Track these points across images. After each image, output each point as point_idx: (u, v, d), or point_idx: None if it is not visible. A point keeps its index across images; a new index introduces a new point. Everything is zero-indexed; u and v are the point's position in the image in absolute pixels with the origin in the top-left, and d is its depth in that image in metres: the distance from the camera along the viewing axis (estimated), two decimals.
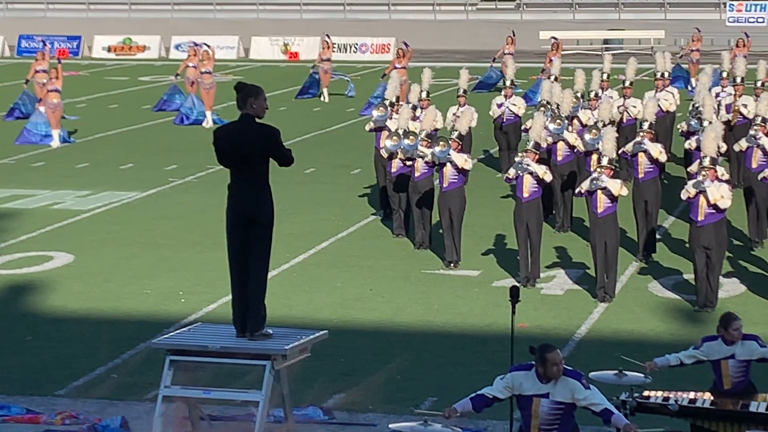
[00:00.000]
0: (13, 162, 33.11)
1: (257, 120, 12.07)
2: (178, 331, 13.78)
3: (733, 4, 55.26)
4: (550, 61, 34.50)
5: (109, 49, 59.21)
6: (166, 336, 13.29)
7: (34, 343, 18.81)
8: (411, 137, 23.96)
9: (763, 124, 23.94)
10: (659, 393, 13.90)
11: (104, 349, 17.54)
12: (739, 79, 29.51)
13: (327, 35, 46.16)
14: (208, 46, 42.22)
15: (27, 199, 28.70)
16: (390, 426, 14.58)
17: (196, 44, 42.96)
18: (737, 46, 38.13)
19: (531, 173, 21.44)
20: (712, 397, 13.90)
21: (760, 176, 22.07)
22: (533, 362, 11.89)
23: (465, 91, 28.59)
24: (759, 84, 29.06)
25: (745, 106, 26.80)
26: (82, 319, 20.15)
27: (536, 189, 21.58)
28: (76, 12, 60.49)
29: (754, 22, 53.41)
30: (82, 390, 16.69)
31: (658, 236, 23.82)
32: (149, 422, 12.42)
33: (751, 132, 23.86)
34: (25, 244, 24.82)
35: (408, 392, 16.49)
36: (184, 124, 38.30)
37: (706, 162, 20.37)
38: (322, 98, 43.21)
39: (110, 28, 59.62)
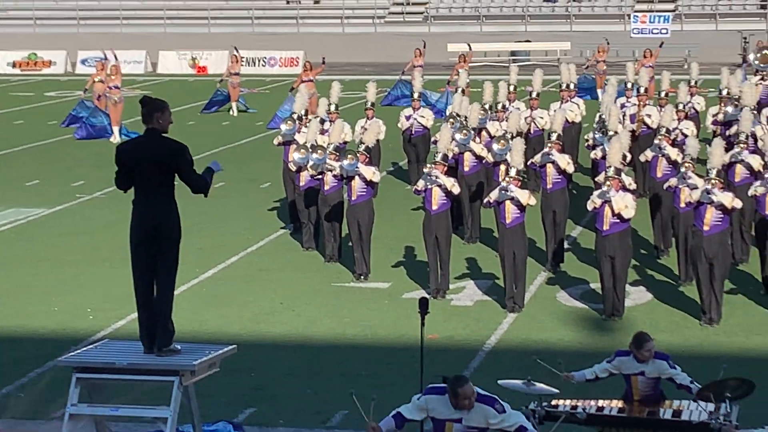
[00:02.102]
0: None
1: (163, 134, 12.04)
2: (85, 349, 13.69)
3: (637, 16, 55.89)
4: (457, 73, 34.68)
5: (14, 65, 58.86)
6: (72, 353, 13.21)
7: None
8: (319, 151, 23.97)
9: (667, 134, 24.23)
10: (567, 401, 14.06)
11: (10, 369, 17.45)
12: (643, 90, 29.85)
13: (235, 49, 46.12)
14: (116, 57, 42.33)
15: None
16: None
17: (104, 58, 42.90)
18: (644, 56, 38.49)
19: (440, 185, 21.53)
20: (621, 405, 14.08)
21: (665, 185, 22.29)
22: (445, 388, 12.08)
23: (373, 104, 28.66)
24: (663, 95, 29.38)
25: (650, 116, 27.10)
26: (6, 337, 20.01)
27: (445, 201, 21.68)
28: None
29: (657, 33, 53.97)
30: None
31: (566, 246, 24.02)
32: None
33: (656, 142, 24.13)
34: None
35: (319, 406, 16.54)
36: (84, 138, 38.07)
37: (611, 172, 20.57)
38: (230, 112, 43.19)
39: (15, 44, 59.22)
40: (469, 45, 44.22)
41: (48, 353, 16.22)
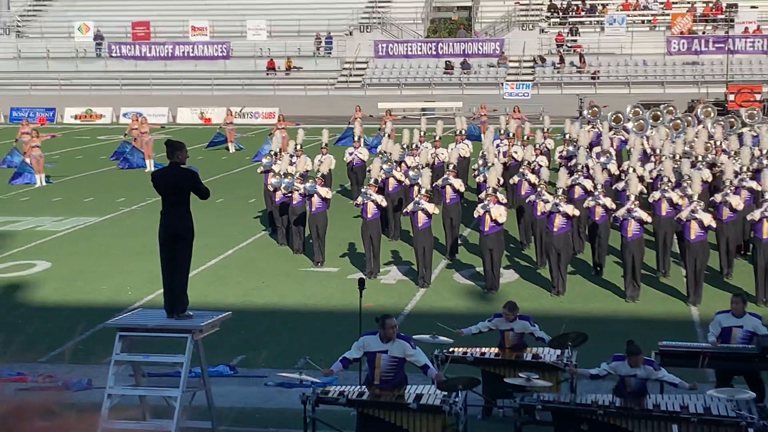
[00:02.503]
0: (7, 197, 32.50)
1: (181, 165, 12.10)
2: (125, 315, 13.69)
3: (508, 84, 56.08)
4: (385, 123, 34.64)
5: (75, 117, 58.34)
6: (116, 318, 13.16)
7: (23, 325, 18.54)
8: (289, 177, 24.06)
9: (528, 165, 24.35)
10: (459, 349, 14.15)
11: (73, 330, 17.35)
12: (511, 134, 29.99)
13: (229, 108, 46.29)
14: (141, 115, 42.63)
15: (16, 223, 28.18)
16: (276, 376, 14.66)
17: (139, 114, 43.18)
18: (513, 111, 38.61)
19: (373, 201, 21.61)
20: (496, 351, 14.15)
21: (527, 200, 22.41)
22: (377, 330, 12.18)
23: (326, 144, 28.71)
24: (526, 137, 29.56)
25: (516, 153, 27.19)
26: (57, 307, 19.86)
27: (376, 212, 21.72)
28: (52, 91, 59.54)
29: (522, 96, 54.25)
30: (58, 357, 16.53)
31: (459, 242, 24.05)
32: (106, 379, 12.31)
33: (521, 170, 24.25)
34: (16, 255, 24.34)
35: (289, 354, 16.54)
36: (126, 168, 37.97)
37: (490, 191, 20.73)
38: (228, 150, 43.04)
39: (77, 102, 58.72)
40: (400, 112, 44.50)
41: (99, 319, 16.08)
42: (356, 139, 30.77)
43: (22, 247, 25.40)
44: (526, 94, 54.74)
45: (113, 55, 63.24)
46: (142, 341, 12.69)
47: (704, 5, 61.81)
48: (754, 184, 21.90)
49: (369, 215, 21.73)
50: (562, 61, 58.45)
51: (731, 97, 50.86)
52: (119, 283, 21.59)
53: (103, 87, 60.51)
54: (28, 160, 35.48)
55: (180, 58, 62.67)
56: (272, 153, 27.01)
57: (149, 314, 13.46)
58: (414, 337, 13.90)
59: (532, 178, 23.58)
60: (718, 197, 21.35)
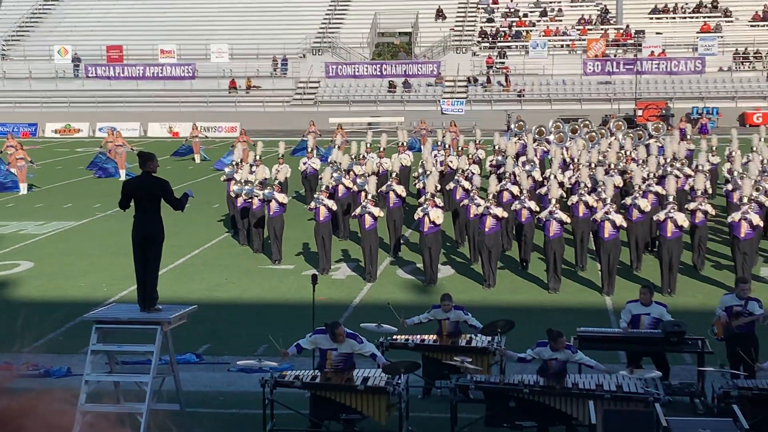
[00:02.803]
0: None
1: (152, 174, 12.02)
2: (100, 309, 13.55)
3: (444, 101, 56.30)
4: (336, 135, 34.66)
5: (55, 131, 57.79)
6: (93, 312, 13.04)
7: (8, 319, 18.28)
8: (249, 184, 23.98)
9: (462, 173, 24.46)
10: (402, 337, 14.19)
11: (54, 323, 17.20)
12: (447, 146, 30.09)
13: (194, 123, 46.11)
14: (116, 130, 42.34)
15: (2, 228, 27.93)
16: (237, 363, 14.60)
17: (114, 129, 42.88)
18: (450, 125, 38.67)
19: (324, 205, 21.59)
20: (435, 338, 14.21)
21: (461, 204, 22.53)
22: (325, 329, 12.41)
23: (283, 155, 28.69)
24: (460, 148, 29.71)
25: (452, 162, 27.28)
26: (40, 303, 19.65)
27: (328, 215, 21.68)
28: (34, 108, 58.97)
29: (457, 112, 54.50)
30: (41, 348, 16.32)
31: (402, 241, 24.10)
32: (83, 367, 12.21)
33: (456, 177, 24.35)
34: (1, 256, 24.08)
35: (250, 342, 16.46)
36: (101, 177, 37.65)
37: (428, 196, 20.79)
38: (194, 160, 42.79)
39: (56, 118, 58.22)
40: (352, 126, 44.55)
41: (77, 312, 15.93)
42: (309, 150, 30.74)
43: (7, 248, 25.12)
44: (460, 110, 54.99)
45: (89, 75, 62.76)
46: (117, 332, 12.58)
47: (615, 31, 62.47)
48: (659, 189, 22.21)
49: (321, 218, 21.72)
50: (489, 81, 58.92)
51: (639, 113, 51.50)
52: (95, 280, 21.39)
53: (80, 104, 60.01)
54: (13, 170, 35.15)
55: (150, 78, 62.31)
56: (234, 163, 27.01)
57: (123, 308, 13.44)
58: (361, 325, 13.97)
59: (466, 184, 23.70)
60: (628, 200, 21.63)
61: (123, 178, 34.88)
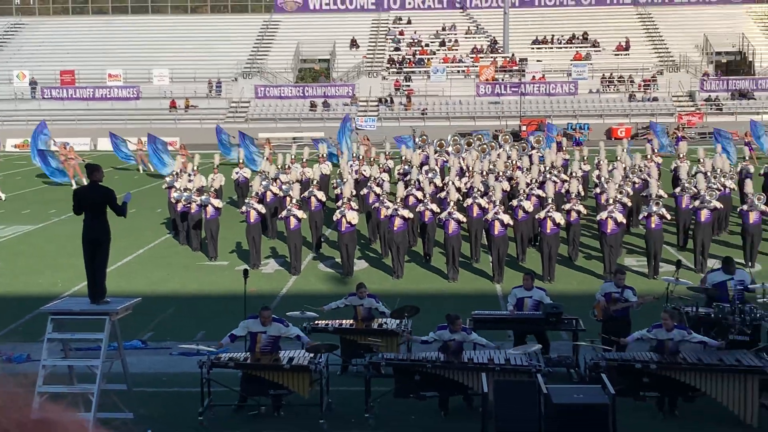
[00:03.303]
0: None
1: (99, 183, 11.81)
2: (55, 302, 13.24)
3: (359, 118, 56.30)
4: (264, 148, 34.47)
5: (15, 146, 56.26)
6: (49, 305, 12.72)
7: None
8: (188, 191, 23.73)
9: (374, 180, 24.58)
10: (323, 322, 14.16)
11: (13, 315, 16.83)
12: (361, 156, 30.13)
13: (140, 138, 45.42)
14: (68, 144, 41.52)
15: None
16: (178, 347, 14.44)
17: (66, 144, 41.96)
18: (364, 139, 38.63)
19: (254, 209, 21.48)
20: (351, 322, 14.23)
21: (374, 206, 22.60)
22: (258, 315, 12.32)
23: (217, 166, 28.38)
24: (372, 159, 29.77)
25: (365, 170, 27.36)
26: (2, 297, 19.21)
27: (258, 217, 21.61)
28: None
29: (369, 127, 54.57)
30: (3, 338, 16.00)
31: (322, 240, 24.04)
32: (41, 353, 11.97)
33: (369, 184, 24.47)
34: None
35: (189, 329, 16.30)
36: (44, 167, 37.90)
37: (345, 200, 20.83)
38: (139, 170, 42.11)
39: (16, 134, 56.73)
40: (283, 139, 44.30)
41: (35, 306, 15.56)
42: (241, 161, 30.60)
43: None
44: (372, 126, 55.06)
45: (45, 96, 61.38)
46: (70, 322, 12.32)
47: (503, 59, 63.27)
48: (540, 192, 22.54)
49: (251, 220, 21.59)
50: (392, 101, 59.22)
51: (524, 128, 52.23)
52: (51, 277, 20.91)
53: (37, 122, 58.40)
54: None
55: (99, 98, 61.19)
56: (174, 173, 26.70)
57: (75, 301, 13.13)
58: (288, 313, 13.91)
59: (377, 189, 23.79)
60: (514, 202, 21.92)
61: (74, 186, 34.19)
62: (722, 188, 23.44)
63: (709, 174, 24.01)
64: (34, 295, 18.81)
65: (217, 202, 23.26)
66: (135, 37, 67.25)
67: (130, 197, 12.52)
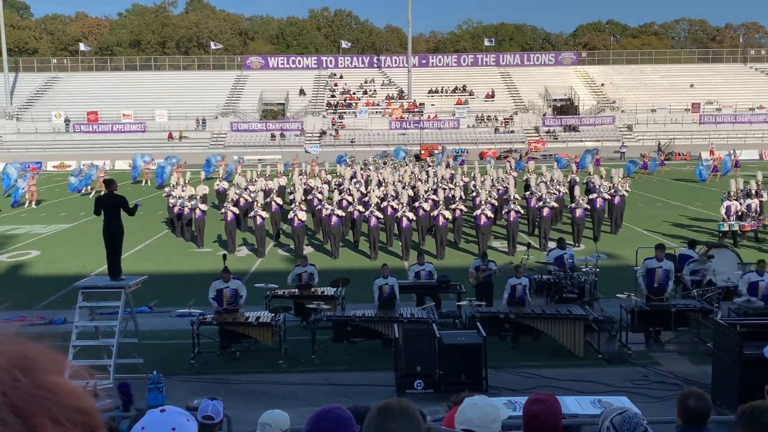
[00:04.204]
0: (11, 215, 29.85)
1: (114, 192, 11.48)
2: (84, 279, 12.80)
3: (307, 145, 55.86)
4: (238, 166, 33.92)
5: (54, 167, 53.95)
6: (79, 282, 12.30)
7: (25, 289, 17.16)
8: (182, 198, 23.18)
9: (317, 189, 24.32)
10: (281, 290, 13.84)
11: (56, 289, 16.24)
12: (308, 172, 29.83)
13: (146, 160, 43.90)
14: (96, 165, 39.96)
15: (18, 229, 26.08)
16: (176, 311, 14.10)
17: (92, 163, 40.54)
18: (312, 162, 38.37)
19: (230, 210, 21.07)
20: (299, 290, 14.01)
21: (317, 208, 22.37)
22: (221, 276, 12.20)
23: (204, 179, 27.68)
24: (315, 174, 29.48)
25: (311, 182, 27.04)
26: (45, 277, 18.53)
27: (233, 217, 21.20)
28: (38, 151, 55.23)
29: (314, 152, 54.14)
30: (46, 306, 15.43)
31: (281, 232, 23.70)
32: (74, 317, 11.58)
33: (313, 191, 24.17)
34: (18, 248, 22.53)
35: (183, 298, 15.88)
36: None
37: (297, 203, 20.51)
38: (147, 183, 40.92)
39: (54, 158, 54.56)
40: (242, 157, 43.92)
41: (69, 282, 15.00)
42: (221, 176, 30.00)
43: (22, 242, 23.52)
44: (316, 151, 54.64)
45: (76, 131, 59.18)
46: (96, 294, 11.95)
47: (408, 103, 63.60)
48: (434, 197, 22.60)
49: (228, 219, 21.18)
50: (324, 133, 58.85)
51: (422, 152, 52.54)
52: (81, 261, 20.16)
53: (69, 149, 56.69)
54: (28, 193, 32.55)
55: (116, 132, 59.30)
56: (172, 185, 26.05)
57: (99, 279, 12.69)
58: (255, 285, 13.68)
59: (320, 195, 23.54)
60: (416, 203, 21.98)
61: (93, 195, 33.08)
62: (557, 192, 24.00)
63: (548, 183, 24.54)
64: (69, 274, 18.14)
65: (204, 206, 22.75)
66: (142, 87, 65.78)
67: (140, 204, 12.26)
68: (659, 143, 55.37)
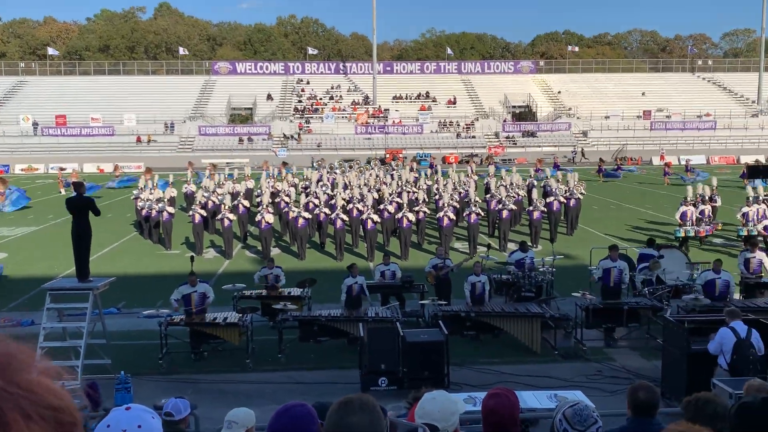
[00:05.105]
0: None
1: (82, 195, 11.30)
2: (52, 281, 12.49)
3: (276, 149, 55.38)
4: (207, 170, 33.49)
5: (22, 170, 52.66)
6: (47, 284, 12.01)
7: None
8: (150, 201, 22.80)
9: (284, 192, 24.18)
10: (248, 291, 13.70)
11: (25, 291, 15.82)
12: (275, 176, 29.62)
13: (116, 164, 43.13)
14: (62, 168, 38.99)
15: None
16: (143, 313, 13.85)
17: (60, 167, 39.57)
18: (282, 164, 38.08)
19: (198, 213, 20.83)
20: (266, 291, 13.89)
21: (284, 210, 22.20)
22: (187, 281, 12.05)
23: (172, 182, 27.29)
24: (283, 178, 29.29)
25: (278, 185, 26.88)
26: (14, 278, 18.02)
27: (200, 219, 20.98)
28: (6, 154, 53.77)
29: (283, 155, 53.80)
30: (13, 309, 15.02)
31: (248, 234, 23.45)
32: (41, 318, 11.29)
33: (280, 195, 24.04)
34: None
35: (151, 300, 15.61)
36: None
37: (265, 205, 20.30)
38: (114, 187, 40.22)
39: (22, 161, 53.27)
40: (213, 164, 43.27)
41: (37, 284, 14.68)
42: (188, 179, 29.60)
43: None
44: (284, 155, 54.28)
45: (44, 134, 57.69)
46: (64, 296, 11.68)
47: (373, 109, 63.64)
48: (399, 200, 22.67)
49: (196, 221, 20.97)
50: (292, 137, 58.60)
51: (387, 155, 52.67)
52: (49, 264, 19.67)
53: (37, 152, 55.31)
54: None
55: (84, 135, 57.97)
56: (140, 188, 25.60)
57: (67, 280, 12.42)
58: (223, 287, 13.53)
59: (286, 198, 23.37)
60: (381, 206, 22.00)
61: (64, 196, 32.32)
62: (516, 195, 24.27)
63: (508, 186, 24.80)
64: (36, 276, 17.72)
65: (171, 209, 22.43)
66: (111, 91, 64.70)
67: (98, 187, 12.13)
68: (618, 150, 56.37)
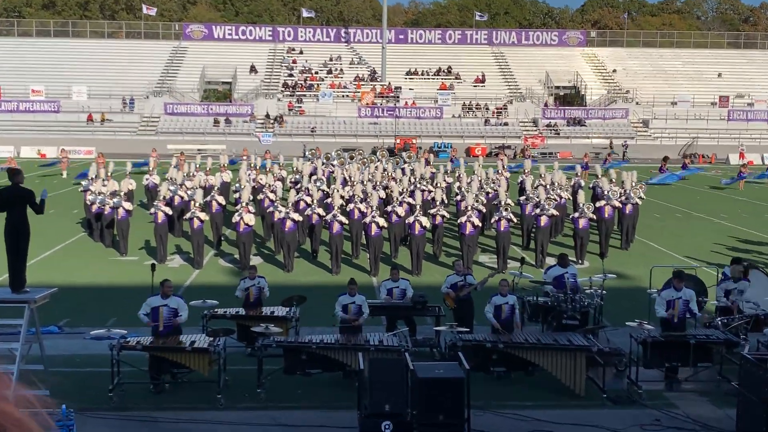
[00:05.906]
0: None
1: (20, 185, 11.34)
2: None
3: (260, 134, 55.62)
4: (174, 158, 33.68)
5: None
6: None
7: None
8: (102, 194, 23.00)
9: (269, 187, 24.29)
10: (221, 309, 13.84)
11: None
12: (258, 167, 29.78)
13: (62, 148, 43.52)
14: None
15: None
16: (91, 333, 13.90)
17: None
18: (266, 153, 38.20)
19: (162, 211, 21.06)
20: (244, 310, 13.99)
21: (268, 210, 22.32)
22: (159, 292, 12.16)
23: (130, 172, 27.58)
24: (267, 169, 29.46)
25: (261, 179, 27.01)
26: None
27: (165, 218, 21.18)
28: None
29: (267, 142, 54.05)
30: None
31: (222, 239, 23.60)
32: None
33: (264, 190, 24.17)
34: None
35: (103, 315, 15.68)
36: None
37: (244, 204, 20.48)
38: (61, 175, 40.46)
39: None
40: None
41: None
42: (151, 168, 29.75)
43: None
44: (268, 141, 54.55)
45: None
46: None
47: (381, 87, 63.80)
48: (411, 200, 22.77)
49: (159, 221, 21.08)
50: (283, 120, 58.85)
51: (397, 144, 52.77)
52: None
53: None
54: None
55: (23, 111, 58.51)
56: (90, 178, 25.78)
57: None
58: (190, 303, 13.59)
59: (272, 195, 23.52)
60: (389, 208, 22.09)
61: None
62: (558, 198, 24.25)
63: (548, 186, 24.78)
64: None
65: (128, 205, 22.62)
66: (57, 57, 65.14)
67: (46, 194, 12.06)
68: (611, 142, 55.96)
